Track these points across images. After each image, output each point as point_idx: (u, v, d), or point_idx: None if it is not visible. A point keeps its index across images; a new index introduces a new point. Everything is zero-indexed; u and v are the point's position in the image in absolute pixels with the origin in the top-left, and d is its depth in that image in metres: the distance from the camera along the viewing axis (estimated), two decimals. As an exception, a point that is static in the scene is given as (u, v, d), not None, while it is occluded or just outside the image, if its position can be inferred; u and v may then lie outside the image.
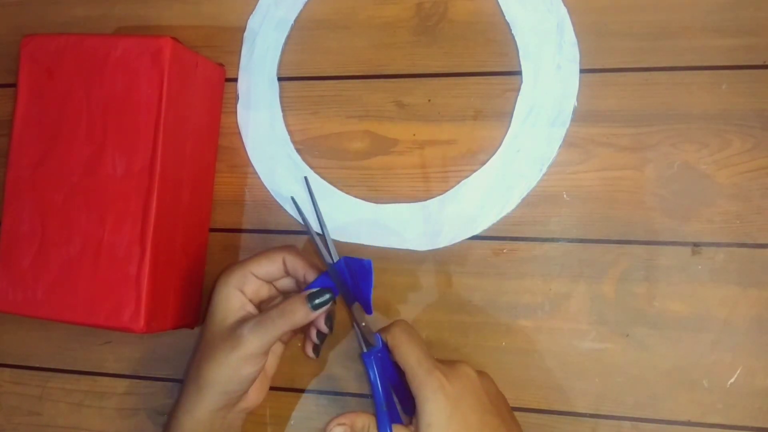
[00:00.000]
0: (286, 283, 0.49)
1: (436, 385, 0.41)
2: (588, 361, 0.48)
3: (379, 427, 0.43)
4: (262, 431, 0.53)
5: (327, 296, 0.44)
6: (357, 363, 0.51)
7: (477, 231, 0.50)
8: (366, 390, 0.51)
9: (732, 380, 0.46)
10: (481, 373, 0.45)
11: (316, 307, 0.44)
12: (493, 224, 0.50)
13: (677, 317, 0.47)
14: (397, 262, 0.51)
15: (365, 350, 0.45)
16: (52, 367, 0.57)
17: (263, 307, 0.48)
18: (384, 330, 0.45)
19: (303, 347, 0.49)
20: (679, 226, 0.48)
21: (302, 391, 0.52)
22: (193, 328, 0.53)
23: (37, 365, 0.57)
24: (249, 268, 0.46)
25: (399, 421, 0.44)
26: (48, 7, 0.59)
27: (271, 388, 0.52)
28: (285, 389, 0.53)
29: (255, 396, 0.48)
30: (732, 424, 0.46)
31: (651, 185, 0.48)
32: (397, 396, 0.46)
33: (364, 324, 0.46)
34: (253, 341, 0.43)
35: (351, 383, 0.52)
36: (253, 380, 0.45)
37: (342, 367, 0.52)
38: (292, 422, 0.52)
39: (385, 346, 0.45)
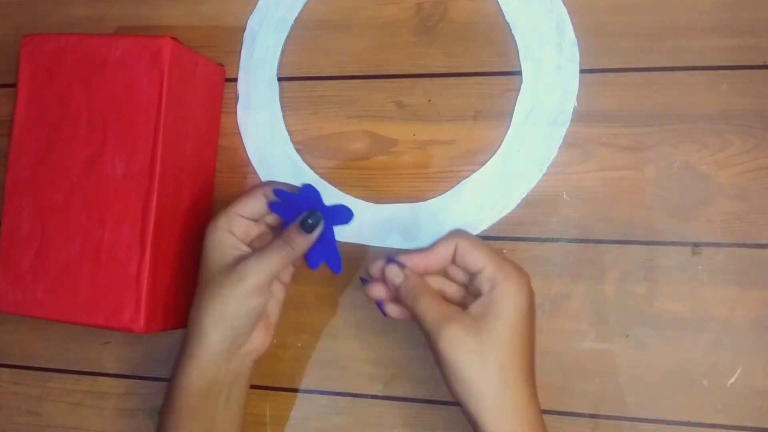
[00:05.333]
0: (273, 218, 0.48)
1: (523, 286, 0.43)
2: (588, 361, 0.48)
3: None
4: (262, 431, 0.53)
5: (317, 215, 0.45)
6: (357, 363, 0.51)
7: (477, 231, 0.50)
8: (366, 391, 0.51)
9: (732, 380, 0.46)
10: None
11: (309, 229, 0.45)
12: (493, 224, 0.50)
13: (677, 317, 0.47)
14: (397, 262, 0.51)
15: None
16: (52, 367, 0.57)
17: (255, 244, 0.48)
18: (446, 240, 0.45)
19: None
20: (679, 226, 0.48)
21: (302, 391, 0.52)
22: (193, 328, 0.53)
23: (37, 365, 0.57)
24: (234, 210, 0.47)
25: None
26: (48, 7, 0.58)
27: (271, 388, 0.52)
28: (285, 389, 0.53)
29: (260, 340, 0.47)
30: (732, 424, 0.46)
31: (651, 185, 0.48)
32: None
33: None
34: (258, 273, 0.44)
35: (351, 383, 0.52)
36: (258, 315, 0.46)
37: (342, 367, 0.52)
38: (291, 422, 0.52)
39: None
